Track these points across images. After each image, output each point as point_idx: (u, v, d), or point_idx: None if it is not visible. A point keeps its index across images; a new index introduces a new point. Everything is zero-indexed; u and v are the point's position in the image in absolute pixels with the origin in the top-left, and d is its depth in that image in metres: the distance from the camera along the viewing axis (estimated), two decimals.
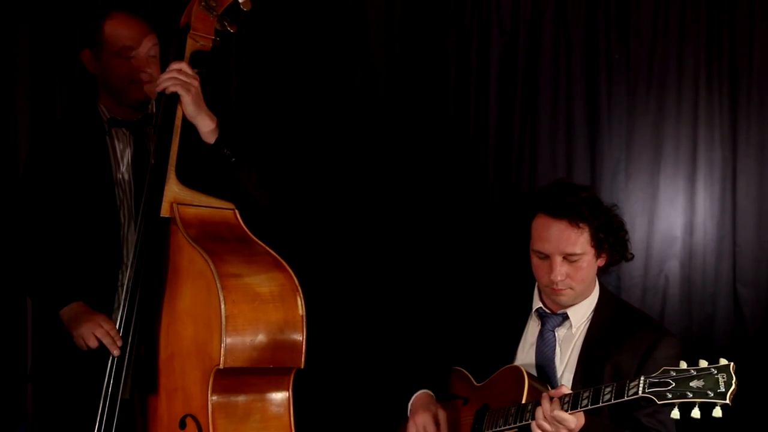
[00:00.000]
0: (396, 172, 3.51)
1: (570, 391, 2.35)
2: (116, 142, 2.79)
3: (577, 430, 2.34)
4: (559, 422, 2.31)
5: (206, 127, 2.61)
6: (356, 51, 3.49)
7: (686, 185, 3.46)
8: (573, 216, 2.52)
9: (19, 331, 3.09)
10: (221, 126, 2.63)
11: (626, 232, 2.66)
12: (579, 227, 2.53)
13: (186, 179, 2.58)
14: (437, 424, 2.63)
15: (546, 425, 2.33)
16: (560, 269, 2.54)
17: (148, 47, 2.72)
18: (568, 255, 2.53)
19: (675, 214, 3.46)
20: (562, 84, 3.48)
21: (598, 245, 2.56)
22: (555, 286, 2.56)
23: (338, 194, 3.48)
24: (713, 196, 3.45)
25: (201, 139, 2.62)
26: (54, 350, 2.78)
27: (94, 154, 2.76)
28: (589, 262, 2.57)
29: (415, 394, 2.72)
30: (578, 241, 2.53)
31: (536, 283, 2.69)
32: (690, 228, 3.46)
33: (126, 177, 2.77)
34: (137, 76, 2.72)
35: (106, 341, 2.55)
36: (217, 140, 2.62)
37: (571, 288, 2.57)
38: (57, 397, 2.83)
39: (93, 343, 2.58)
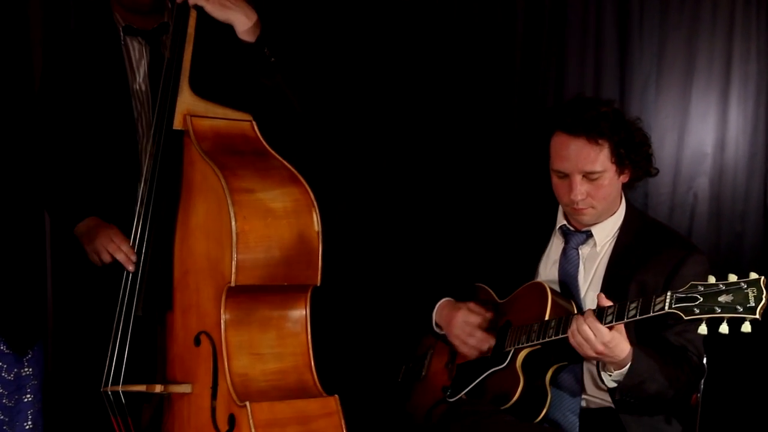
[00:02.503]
0: (421, 88, 3.45)
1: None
2: (132, 51, 2.72)
3: (622, 356, 2.28)
4: (593, 333, 2.24)
5: (243, 25, 2.47)
6: None
7: (719, 99, 3.37)
8: (591, 132, 2.44)
9: (39, 247, 3.08)
10: (263, 22, 2.49)
11: (650, 146, 2.56)
12: (598, 144, 2.44)
13: (202, 90, 2.51)
14: (475, 312, 2.61)
15: (589, 333, 2.24)
16: (580, 188, 2.47)
17: None
18: (587, 173, 2.46)
19: (706, 130, 3.39)
20: None
21: (619, 161, 2.48)
22: (576, 206, 2.50)
23: (363, 109, 3.43)
24: (746, 112, 3.37)
25: (238, 40, 2.47)
26: (74, 268, 2.77)
27: (109, 64, 2.69)
28: (611, 180, 2.49)
29: (438, 303, 2.71)
30: (598, 158, 2.45)
31: None
32: (721, 144, 3.39)
33: (143, 88, 2.70)
34: None
35: (120, 257, 2.53)
36: (258, 38, 2.48)
37: (592, 207, 2.51)
38: (76, 314, 2.83)
39: (106, 258, 2.57)
